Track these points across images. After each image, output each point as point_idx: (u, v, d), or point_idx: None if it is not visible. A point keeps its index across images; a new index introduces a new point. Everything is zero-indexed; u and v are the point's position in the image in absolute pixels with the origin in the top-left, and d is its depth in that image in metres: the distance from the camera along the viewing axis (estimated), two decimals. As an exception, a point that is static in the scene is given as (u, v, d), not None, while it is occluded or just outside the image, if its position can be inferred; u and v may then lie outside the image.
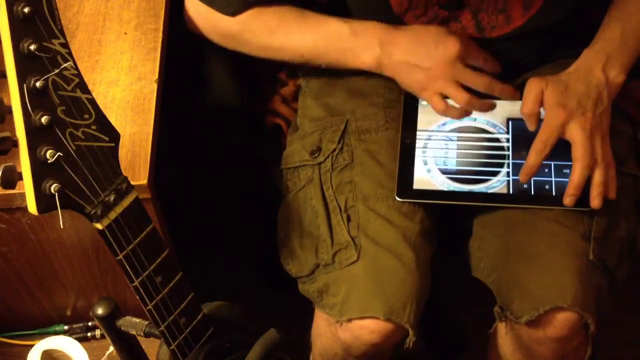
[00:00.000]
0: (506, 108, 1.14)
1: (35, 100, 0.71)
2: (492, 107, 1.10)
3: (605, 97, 1.05)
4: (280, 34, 1.11)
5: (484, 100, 1.10)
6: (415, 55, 1.03)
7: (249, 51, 1.16)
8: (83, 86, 0.75)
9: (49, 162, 0.73)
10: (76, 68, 0.74)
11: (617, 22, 1.10)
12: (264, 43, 1.12)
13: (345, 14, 1.17)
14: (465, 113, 1.09)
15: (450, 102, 1.10)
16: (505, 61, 1.17)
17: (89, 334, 1.39)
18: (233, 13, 1.12)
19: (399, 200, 1.08)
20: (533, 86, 1.06)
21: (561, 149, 1.06)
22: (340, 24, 1.09)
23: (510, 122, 1.13)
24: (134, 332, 0.95)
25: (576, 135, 1.02)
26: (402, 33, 1.05)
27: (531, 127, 1.07)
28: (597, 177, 1.03)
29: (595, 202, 1.03)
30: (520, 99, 1.08)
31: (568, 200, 1.03)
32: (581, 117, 1.03)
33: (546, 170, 1.08)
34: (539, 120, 1.06)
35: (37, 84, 0.71)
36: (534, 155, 1.03)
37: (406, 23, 1.11)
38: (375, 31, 1.07)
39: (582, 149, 1.02)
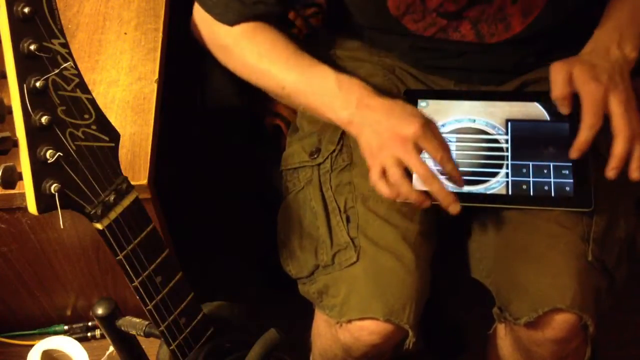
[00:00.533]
0: (505, 109, 1.14)
1: (35, 100, 0.71)
2: (422, 204, 1.02)
3: (626, 73, 1.06)
4: (268, 60, 1.10)
5: (410, 194, 1.00)
6: (379, 122, 1.02)
7: (235, 68, 1.14)
8: (83, 86, 0.75)
9: (49, 162, 0.73)
10: (76, 68, 0.74)
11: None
12: (250, 63, 1.12)
13: (344, 15, 1.18)
14: (393, 195, 1.01)
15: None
16: (504, 63, 1.17)
17: (89, 334, 1.39)
18: (229, 22, 1.11)
19: (398, 201, 1.08)
20: (559, 69, 1.05)
21: (561, 150, 1.06)
22: (328, 71, 1.08)
23: (509, 123, 1.13)
24: (134, 332, 0.95)
25: (616, 108, 1.01)
26: (380, 101, 1.04)
27: (566, 110, 1.06)
28: (638, 149, 1.01)
29: (635, 174, 1.02)
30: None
31: (611, 173, 1.01)
32: (616, 90, 1.02)
33: (545, 171, 1.08)
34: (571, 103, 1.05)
35: (37, 84, 0.71)
36: (587, 130, 1.02)
37: (405, 25, 1.11)
38: (358, 90, 1.05)
39: (624, 122, 1.01)
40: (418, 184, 1.01)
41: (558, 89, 1.05)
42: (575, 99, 1.06)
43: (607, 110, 1.02)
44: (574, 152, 1.04)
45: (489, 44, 1.13)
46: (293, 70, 1.09)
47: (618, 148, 1.01)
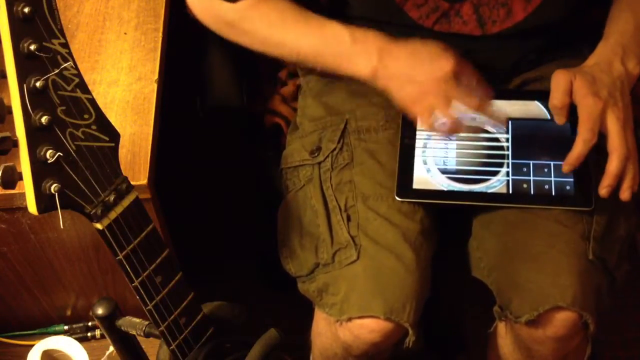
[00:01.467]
0: (506, 108, 1.14)
1: (35, 100, 0.71)
2: (476, 131, 1.09)
3: (627, 89, 1.05)
4: (280, 28, 1.10)
5: (469, 125, 1.08)
6: (410, 68, 1.02)
7: (247, 43, 1.13)
8: (83, 86, 0.75)
9: (49, 162, 0.73)
10: (76, 68, 0.74)
11: (629, 13, 1.10)
12: (262, 35, 1.11)
13: (343, 9, 1.17)
14: (451, 131, 1.06)
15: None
16: (506, 60, 1.17)
17: (89, 334, 1.39)
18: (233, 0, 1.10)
19: (398, 200, 1.08)
20: (561, 78, 1.05)
21: (561, 149, 1.06)
22: (341, 28, 1.08)
23: (510, 122, 1.13)
24: (134, 332, 0.95)
25: (612, 125, 1.01)
26: (400, 46, 1.05)
27: (561, 120, 1.06)
28: (631, 169, 1.01)
29: (626, 194, 1.02)
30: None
31: (604, 191, 1.01)
32: (614, 107, 1.02)
33: (545, 170, 1.08)
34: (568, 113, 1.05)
35: (37, 84, 0.71)
36: (582, 145, 1.01)
37: (407, 12, 1.11)
38: (375, 41, 1.06)
39: (619, 140, 1.01)
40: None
41: (557, 98, 1.05)
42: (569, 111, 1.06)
43: (604, 126, 1.02)
44: (566, 167, 1.03)
45: (490, 35, 1.12)
46: (306, 35, 1.09)
47: (612, 166, 1.01)
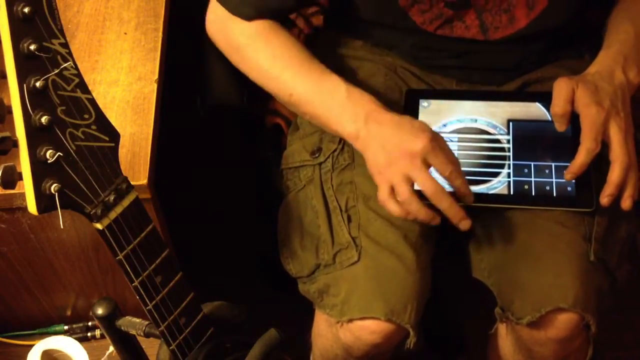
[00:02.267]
0: (507, 109, 1.14)
1: (35, 100, 0.71)
2: (432, 221, 1.00)
3: (628, 98, 1.05)
4: (281, 63, 1.09)
5: (419, 212, 0.98)
6: (386, 138, 1.00)
7: (247, 70, 1.13)
8: (83, 86, 0.75)
9: (49, 162, 0.73)
10: (76, 68, 0.74)
11: (628, 22, 1.10)
12: (262, 66, 1.10)
13: (346, 12, 1.17)
14: (403, 213, 0.99)
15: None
16: (507, 62, 1.17)
17: (89, 334, 1.39)
18: (244, 16, 1.10)
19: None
20: (563, 86, 1.05)
21: (562, 151, 1.06)
22: (339, 82, 1.06)
23: (510, 124, 1.13)
24: (134, 332, 0.95)
25: (615, 135, 1.01)
26: (388, 116, 1.02)
27: (562, 127, 1.06)
28: (632, 178, 1.01)
29: (627, 202, 1.02)
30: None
31: (606, 200, 1.01)
32: (617, 116, 1.02)
33: (547, 171, 1.08)
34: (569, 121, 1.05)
35: (37, 84, 0.71)
36: (585, 154, 1.01)
37: (411, 17, 1.11)
38: (368, 103, 1.03)
39: (621, 149, 1.01)
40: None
41: (558, 105, 1.05)
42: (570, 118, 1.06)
43: (606, 136, 1.02)
44: (569, 175, 1.03)
45: (492, 41, 1.12)
46: (304, 78, 1.08)
47: (614, 175, 1.01)
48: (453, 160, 0.99)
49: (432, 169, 0.98)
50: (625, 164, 1.00)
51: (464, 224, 0.98)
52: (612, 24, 1.12)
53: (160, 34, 1.23)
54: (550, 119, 1.11)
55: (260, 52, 1.10)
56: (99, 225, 0.80)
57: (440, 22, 1.11)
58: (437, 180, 0.97)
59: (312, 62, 1.09)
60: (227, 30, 1.12)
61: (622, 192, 1.02)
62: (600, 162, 1.04)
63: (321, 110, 1.07)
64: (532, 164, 1.08)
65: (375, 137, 1.01)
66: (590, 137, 1.01)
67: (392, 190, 0.99)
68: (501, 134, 1.12)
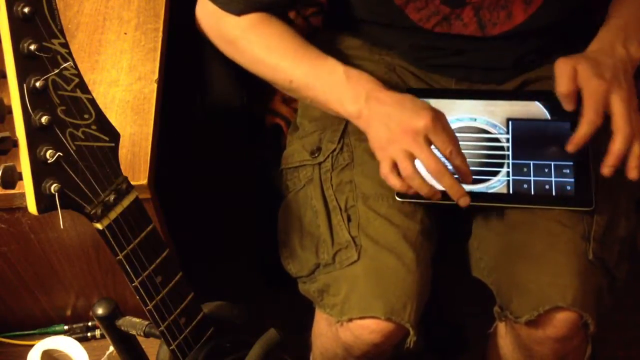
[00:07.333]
0: (506, 108, 1.14)
1: (35, 100, 0.71)
2: (433, 197, 1.02)
3: (630, 72, 1.05)
4: (277, 53, 1.10)
5: (422, 188, 1.00)
6: (389, 115, 1.01)
7: (243, 62, 1.14)
8: (83, 86, 0.75)
9: (49, 162, 0.73)
10: (76, 68, 0.74)
11: (629, 1, 1.10)
12: (258, 57, 1.11)
13: (344, 11, 1.17)
14: (405, 188, 1.01)
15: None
16: (506, 60, 1.17)
17: (89, 334, 1.39)
18: (235, 12, 1.11)
19: (399, 200, 1.08)
20: (564, 65, 1.05)
21: (561, 149, 1.06)
22: (337, 64, 1.07)
23: (510, 122, 1.13)
24: (134, 332, 0.95)
25: (617, 106, 1.01)
26: (389, 94, 1.04)
27: (569, 106, 1.06)
28: (637, 148, 1.01)
29: (633, 172, 1.01)
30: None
31: (607, 170, 1.01)
32: (619, 88, 1.02)
33: (546, 170, 1.08)
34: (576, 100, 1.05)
35: (37, 84, 0.71)
36: (586, 125, 1.01)
37: (407, 15, 1.11)
38: (367, 83, 1.05)
39: (624, 120, 1.00)
40: (428, 176, 1.00)
41: (563, 85, 1.05)
42: (577, 98, 1.05)
43: (608, 108, 1.02)
44: (571, 146, 1.03)
45: (490, 37, 1.12)
46: (301, 64, 1.09)
47: (616, 146, 1.00)
48: (453, 140, 1.00)
49: (432, 147, 0.99)
50: (627, 134, 1.00)
51: (464, 201, 1.00)
52: (613, 5, 1.12)
53: (160, 34, 1.23)
54: (549, 117, 1.11)
55: (255, 44, 1.11)
56: (99, 225, 0.80)
57: (438, 19, 1.11)
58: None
59: (307, 48, 1.10)
60: (219, 24, 1.13)
61: (628, 162, 1.01)
62: (598, 160, 1.04)
63: (322, 94, 1.08)
64: (532, 163, 1.09)
65: (377, 114, 1.02)
66: (591, 109, 1.01)
67: (394, 166, 1.00)
68: (500, 133, 1.12)
